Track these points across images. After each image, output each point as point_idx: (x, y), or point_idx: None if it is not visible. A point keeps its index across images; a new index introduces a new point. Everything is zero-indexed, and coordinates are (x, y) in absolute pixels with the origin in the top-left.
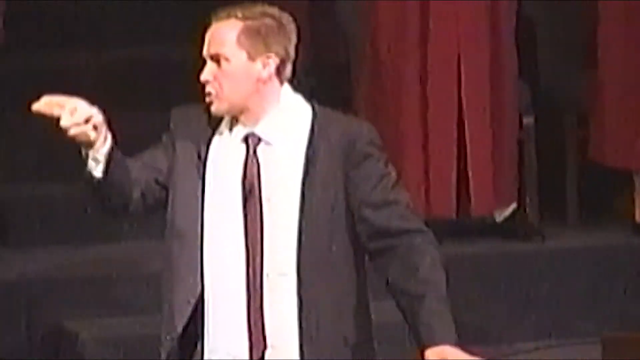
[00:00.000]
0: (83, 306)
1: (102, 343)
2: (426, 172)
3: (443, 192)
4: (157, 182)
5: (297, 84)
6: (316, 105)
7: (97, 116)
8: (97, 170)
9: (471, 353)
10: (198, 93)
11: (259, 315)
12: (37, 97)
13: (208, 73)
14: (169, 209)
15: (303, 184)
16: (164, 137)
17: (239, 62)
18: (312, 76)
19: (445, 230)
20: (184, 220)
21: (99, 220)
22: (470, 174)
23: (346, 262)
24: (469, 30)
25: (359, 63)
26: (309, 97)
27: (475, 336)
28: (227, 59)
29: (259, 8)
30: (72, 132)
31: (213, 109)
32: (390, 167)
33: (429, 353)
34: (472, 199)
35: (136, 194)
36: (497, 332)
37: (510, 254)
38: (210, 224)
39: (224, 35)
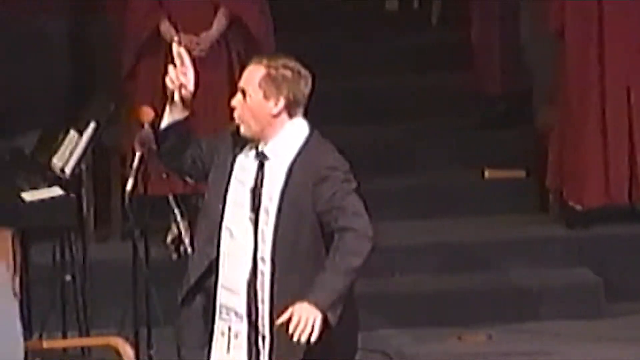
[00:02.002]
0: None
1: None
2: (605, 168)
3: (618, 182)
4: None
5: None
6: (314, 134)
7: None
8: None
9: None
10: None
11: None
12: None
13: (236, 101)
14: (205, 197)
15: (282, 191)
16: (212, 140)
17: (257, 99)
18: (504, 101)
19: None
20: (211, 209)
21: None
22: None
23: (311, 252)
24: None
25: (540, 90)
26: (502, 118)
27: None
28: (249, 95)
29: (281, 60)
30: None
31: (242, 130)
32: (345, 184)
33: (295, 307)
34: None
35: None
36: None
37: None
38: (228, 215)
39: (251, 76)
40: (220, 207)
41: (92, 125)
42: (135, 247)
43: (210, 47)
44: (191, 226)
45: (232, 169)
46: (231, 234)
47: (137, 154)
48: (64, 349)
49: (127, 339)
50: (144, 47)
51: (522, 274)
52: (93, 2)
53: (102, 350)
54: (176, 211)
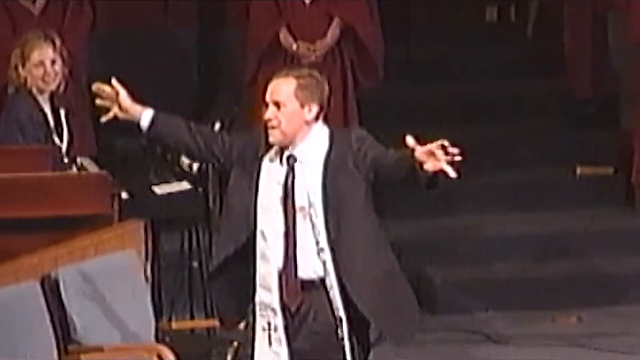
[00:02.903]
0: (437, 259)
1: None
2: None
3: None
4: (212, 153)
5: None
6: (332, 129)
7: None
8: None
9: None
10: None
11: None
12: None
13: (271, 113)
14: (229, 192)
15: (323, 185)
16: (242, 136)
17: (293, 108)
18: (594, 104)
19: None
20: (235, 212)
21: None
22: None
23: (365, 217)
24: None
25: (626, 94)
26: (592, 119)
27: None
28: (284, 105)
29: (304, 70)
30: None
31: (271, 139)
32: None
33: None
34: None
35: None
36: None
37: None
38: (260, 219)
39: (283, 88)
40: (247, 211)
41: (217, 125)
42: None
43: (325, 54)
44: None
45: (258, 176)
46: (264, 237)
47: None
48: (191, 330)
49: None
50: (264, 55)
51: (610, 262)
52: (219, 13)
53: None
54: None
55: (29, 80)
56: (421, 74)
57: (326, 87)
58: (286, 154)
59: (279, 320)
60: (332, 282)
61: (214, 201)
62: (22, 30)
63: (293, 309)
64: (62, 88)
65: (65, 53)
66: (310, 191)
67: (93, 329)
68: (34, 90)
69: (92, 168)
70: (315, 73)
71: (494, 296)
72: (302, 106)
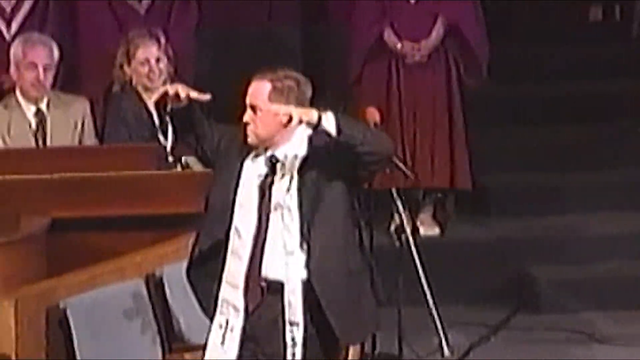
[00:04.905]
0: (541, 258)
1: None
2: None
3: None
4: (201, 144)
5: None
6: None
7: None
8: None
9: None
10: None
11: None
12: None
13: (248, 117)
14: (210, 197)
15: (299, 186)
16: (229, 132)
17: (268, 111)
18: None
19: None
20: (216, 208)
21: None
22: None
23: (339, 213)
24: None
25: None
26: None
27: None
28: (260, 109)
29: (282, 72)
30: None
31: (249, 139)
32: None
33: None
34: None
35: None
36: None
37: None
38: (237, 217)
39: (259, 91)
40: (227, 208)
41: None
42: (360, 235)
43: (429, 53)
44: (412, 217)
45: (239, 174)
46: (239, 234)
47: None
48: None
49: None
50: (368, 54)
51: None
52: (323, 10)
53: None
54: (398, 203)
55: (134, 79)
56: (525, 72)
57: (306, 89)
58: (268, 153)
59: (238, 321)
60: (294, 285)
61: None
62: (128, 29)
63: (251, 308)
64: None
65: (170, 51)
66: (288, 193)
67: (197, 328)
68: (139, 88)
69: (197, 167)
70: (294, 74)
71: (598, 295)
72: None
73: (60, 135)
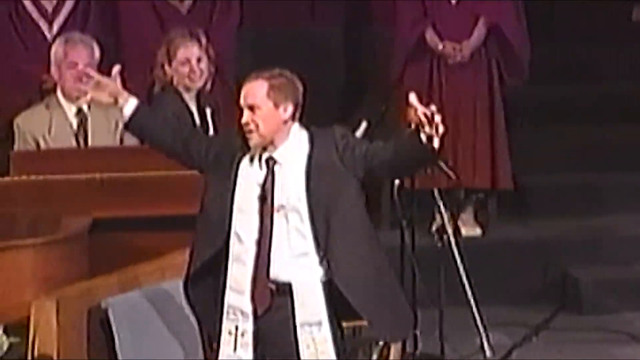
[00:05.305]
0: (582, 258)
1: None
2: None
3: None
4: (189, 154)
5: None
6: (312, 130)
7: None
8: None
9: None
10: None
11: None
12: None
13: (246, 118)
14: (205, 195)
15: (307, 188)
16: (218, 138)
17: (268, 109)
18: None
19: None
20: (212, 213)
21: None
22: None
23: (355, 214)
24: None
25: None
26: None
27: None
28: (259, 108)
29: (275, 71)
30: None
31: (251, 142)
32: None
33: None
34: None
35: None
36: None
37: None
38: (236, 221)
39: (255, 91)
40: (225, 212)
41: (363, 124)
42: (402, 235)
43: (471, 54)
44: (453, 217)
45: (236, 177)
46: (240, 240)
47: None
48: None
49: None
50: (410, 55)
51: None
52: (365, 11)
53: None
54: (440, 203)
55: (175, 78)
56: (566, 73)
57: (299, 86)
58: (265, 155)
59: (248, 325)
60: (311, 286)
61: None
62: (169, 29)
63: (260, 312)
64: (208, 86)
65: (211, 51)
66: (293, 195)
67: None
68: (180, 88)
69: None
70: (286, 72)
71: (639, 296)
72: (277, 106)
73: (101, 135)
